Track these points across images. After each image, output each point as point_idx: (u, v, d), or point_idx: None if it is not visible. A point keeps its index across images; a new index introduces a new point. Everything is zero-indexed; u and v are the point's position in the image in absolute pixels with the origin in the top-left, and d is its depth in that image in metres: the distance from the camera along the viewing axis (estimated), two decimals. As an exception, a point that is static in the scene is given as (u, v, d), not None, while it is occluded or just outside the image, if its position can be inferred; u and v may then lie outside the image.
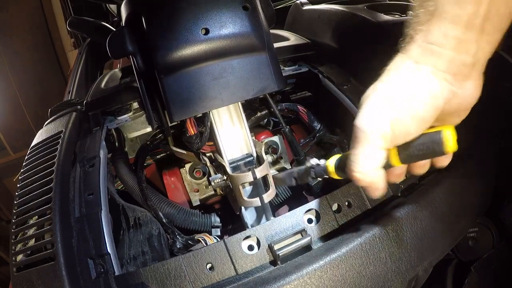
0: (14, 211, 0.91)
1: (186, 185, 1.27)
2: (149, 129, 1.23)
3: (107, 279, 0.78)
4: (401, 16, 1.52)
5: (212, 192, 1.29)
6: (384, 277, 0.89)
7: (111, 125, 1.15)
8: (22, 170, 1.02)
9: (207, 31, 0.89)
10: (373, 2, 1.60)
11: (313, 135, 1.37)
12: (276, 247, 0.84)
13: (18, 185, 0.99)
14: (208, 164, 1.14)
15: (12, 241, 0.86)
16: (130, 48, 0.95)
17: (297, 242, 0.85)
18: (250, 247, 0.86)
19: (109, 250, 0.81)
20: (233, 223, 1.29)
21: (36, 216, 0.87)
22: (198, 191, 1.29)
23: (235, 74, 0.95)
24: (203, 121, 1.07)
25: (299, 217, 0.91)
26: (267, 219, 1.06)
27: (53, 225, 0.80)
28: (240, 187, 1.01)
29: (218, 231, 1.19)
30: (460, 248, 1.34)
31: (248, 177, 0.99)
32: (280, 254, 0.83)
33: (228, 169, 1.05)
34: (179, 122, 1.06)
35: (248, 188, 1.08)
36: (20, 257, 0.83)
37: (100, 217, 0.84)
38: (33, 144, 1.11)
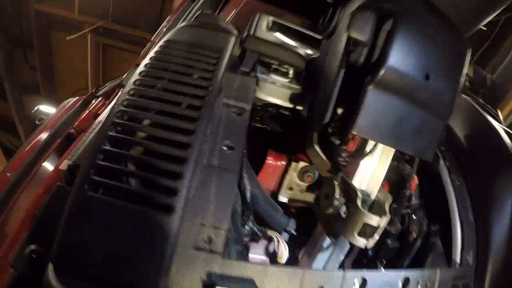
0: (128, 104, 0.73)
1: (287, 180, 1.11)
2: (286, 103, 1.07)
3: (211, 258, 0.62)
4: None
5: (304, 199, 1.16)
6: None
7: (262, 78, 0.98)
8: (154, 60, 0.84)
9: (428, 78, 0.87)
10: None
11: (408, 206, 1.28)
12: None
13: (141, 77, 0.80)
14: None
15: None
16: (367, 35, 0.81)
17: None
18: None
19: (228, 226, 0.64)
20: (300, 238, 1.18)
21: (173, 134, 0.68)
22: (292, 189, 1.14)
23: (414, 125, 0.93)
24: (362, 146, 0.96)
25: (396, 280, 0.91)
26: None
27: (187, 166, 0.62)
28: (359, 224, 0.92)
29: (287, 236, 1.11)
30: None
31: (374, 220, 0.92)
32: None
33: (359, 203, 0.91)
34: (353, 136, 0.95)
35: None
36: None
37: (235, 181, 0.67)
38: (175, 38, 0.94)
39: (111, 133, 0.68)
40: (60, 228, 0.61)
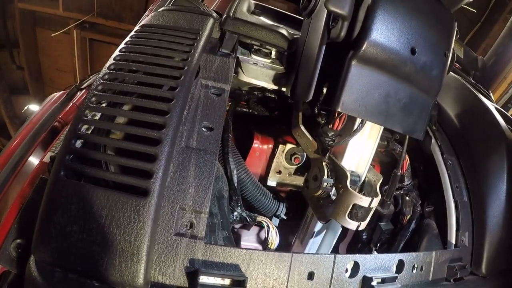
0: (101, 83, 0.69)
1: (274, 163, 1.08)
2: (269, 85, 1.03)
3: (193, 244, 0.59)
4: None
5: (293, 183, 1.13)
6: None
7: (243, 59, 0.95)
8: (129, 44, 0.81)
9: (413, 52, 0.85)
10: None
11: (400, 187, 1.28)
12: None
13: (116, 60, 0.77)
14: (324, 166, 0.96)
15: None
16: (346, 9, 0.76)
17: None
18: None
19: (209, 209, 0.62)
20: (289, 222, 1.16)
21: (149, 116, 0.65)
22: (280, 173, 1.11)
23: (400, 101, 0.90)
24: (349, 124, 0.93)
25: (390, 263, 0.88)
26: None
27: (162, 147, 0.59)
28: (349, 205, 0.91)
29: (277, 222, 1.10)
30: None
31: (364, 201, 0.90)
32: None
33: (348, 183, 0.88)
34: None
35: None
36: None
37: (214, 162, 0.64)
38: (150, 22, 0.91)
39: (85, 118, 0.66)
40: (38, 217, 0.59)
